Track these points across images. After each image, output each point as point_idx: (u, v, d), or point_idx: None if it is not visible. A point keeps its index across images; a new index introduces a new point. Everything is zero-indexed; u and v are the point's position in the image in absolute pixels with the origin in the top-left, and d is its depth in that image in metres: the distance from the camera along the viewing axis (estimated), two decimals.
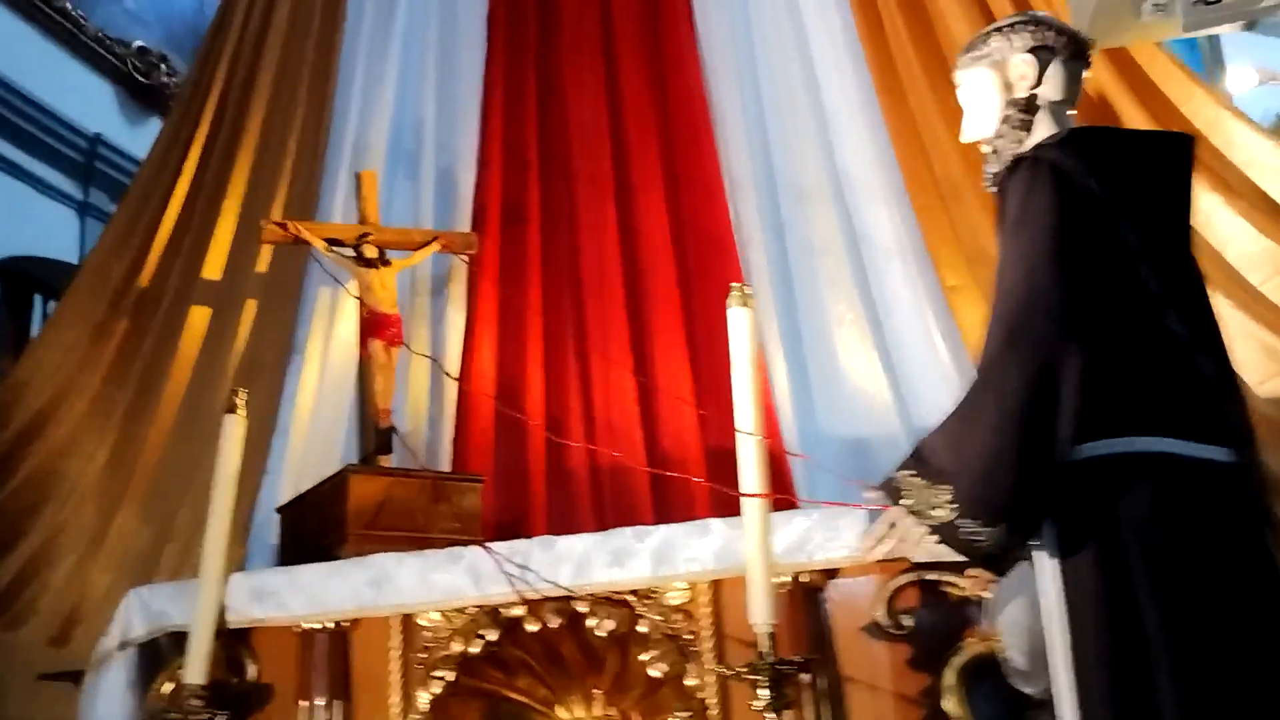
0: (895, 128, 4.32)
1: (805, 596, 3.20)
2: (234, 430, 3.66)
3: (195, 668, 3.38)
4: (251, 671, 3.57)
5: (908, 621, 3.13)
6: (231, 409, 3.66)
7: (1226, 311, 3.70)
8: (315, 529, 3.88)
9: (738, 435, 2.99)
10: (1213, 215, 3.88)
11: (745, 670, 2.83)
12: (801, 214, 4.42)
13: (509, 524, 4.21)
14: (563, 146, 4.82)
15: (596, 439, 4.37)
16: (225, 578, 3.53)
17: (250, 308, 4.83)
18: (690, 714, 3.23)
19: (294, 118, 5.04)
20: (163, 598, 3.63)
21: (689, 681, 3.25)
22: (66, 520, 4.78)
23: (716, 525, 3.26)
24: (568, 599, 3.35)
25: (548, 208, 4.75)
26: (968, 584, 3.08)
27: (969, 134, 2.65)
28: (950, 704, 3.01)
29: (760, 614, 2.86)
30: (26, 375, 5.06)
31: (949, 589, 3.12)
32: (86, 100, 8.62)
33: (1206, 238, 3.76)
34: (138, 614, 3.62)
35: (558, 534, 3.55)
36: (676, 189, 4.63)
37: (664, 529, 3.32)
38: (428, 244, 4.32)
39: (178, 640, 3.63)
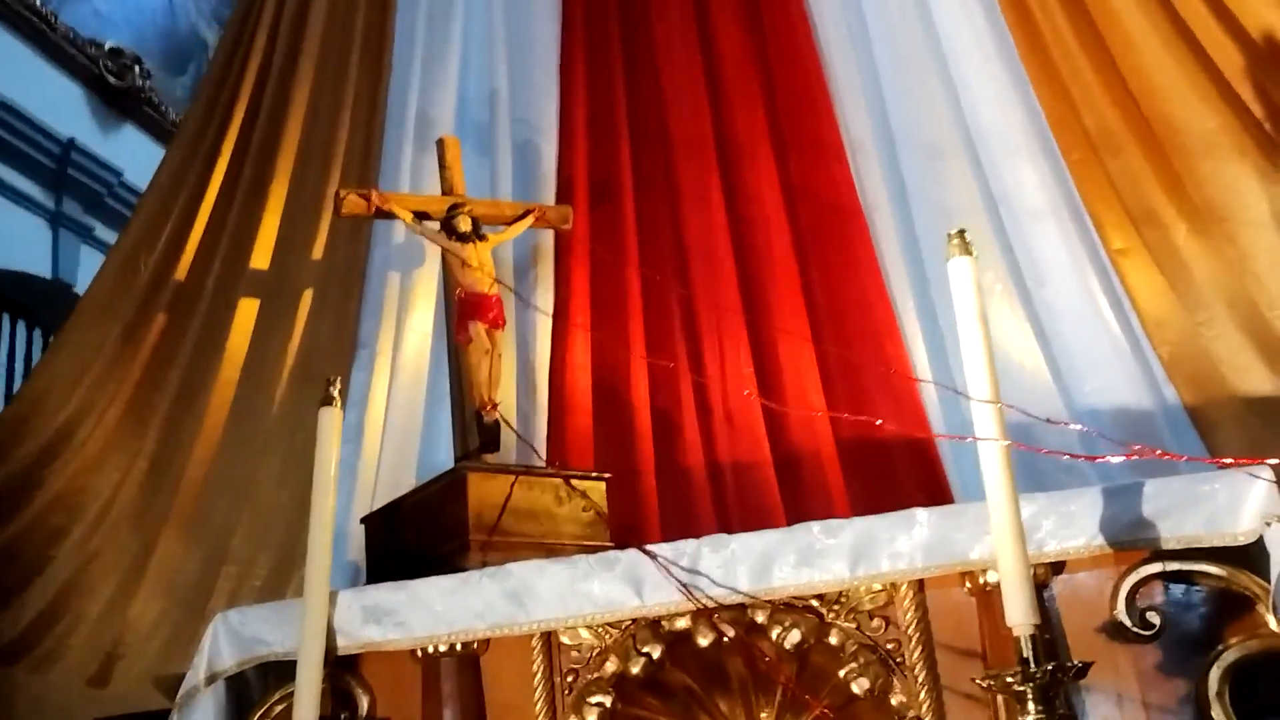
0: (1036, 75, 3.92)
1: None
2: (331, 424, 3.17)
3: (306, 704, 2.86)
4: (364, 704, 3.05)
5: (1154, 619, 2.69)
6: (328, 400, 3.17)
7: None
8: (420, 538, 3.38)
9: (973, 404, 2.56)
10: None
11: (1012, 679, 2.38)
12: (931, 173, 4.00)
13: (618, 530, 3.71)
14: (656, 112, 4.36)
15: (714, 433, 3.90)
16: (330, 597, 3.02)
17: (306, 299, 4.33)
18: None
19: (345, 92, 4.56)
20: (257, 622, 3.10)
21: (896, 699, 2.79)
22: (101, 545, 4.23)
23: (923, 515, 2.81)
24: (742, 608, 2.88)
25: (642, 179, 4.28)
26: (1226, 572, 2.67)
27: None
28: (1219, 713, 2.58)
29: (1021, 612, 2.41)
30: (44, 384, 4.51)
31: (1203, 579, 2.71)
32: (56, 103, 8.04)
33: None
34: (226, 642, 3.09)
35: (675, 540, 3.11)
36: (786, 152, 4.19)
37: (858, 522, 2.87)
38: (522, 217, 3.83)
39: (265, 672, 3.16)
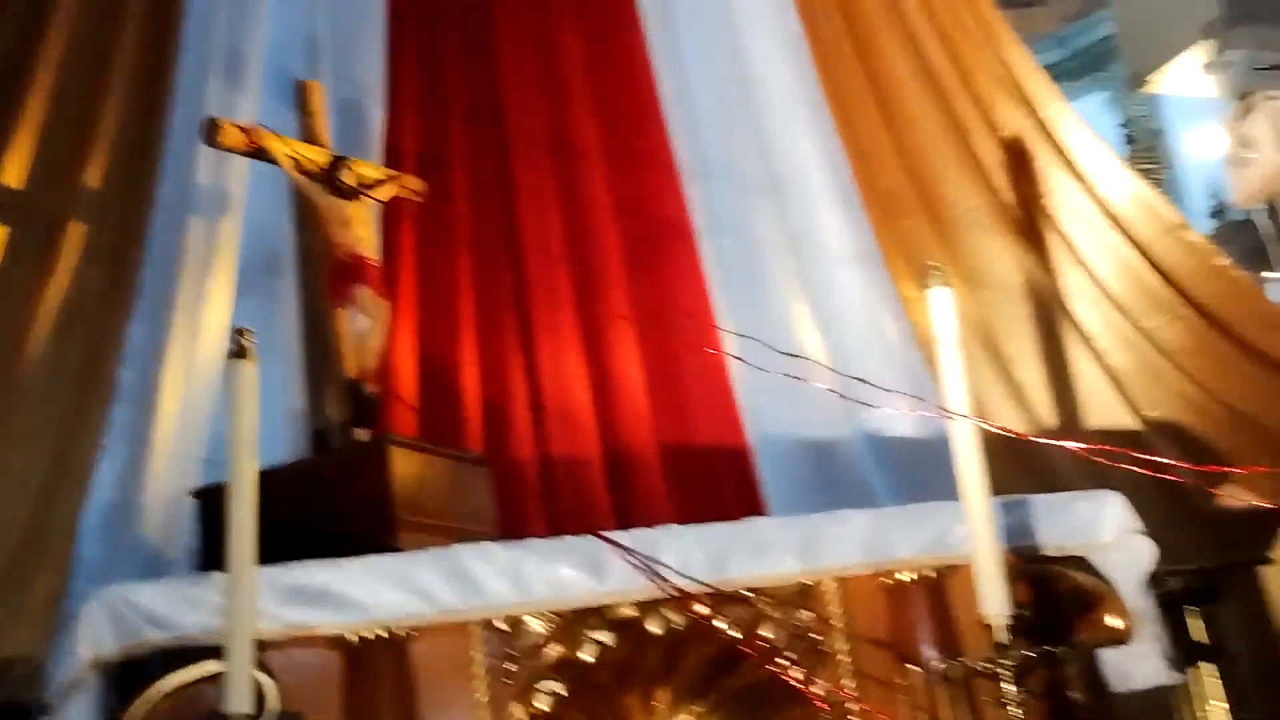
0: (843, 136, 4.36)
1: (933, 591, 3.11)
2: (246, 378, 2.80)
3: (240, 692, 2.50)
4: (272, 695, 2.71)
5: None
6: (240, 353, 2.79)
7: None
8: (311, 515, 3.05)
9: (952, 419, 2.87)
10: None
11: (987, 663, 2.71)
12: (742, 206, 4.30)
13: None
14: (491, 96, 4.24)
15: (546, 430, 3.89)
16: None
17: (73, 233, 3.68)
18: None
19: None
20: (149, 600, 2.66)
21: (822, 686, 3.01)
22: None
23: (858, 516, 3.08)
24: (689, 598, 2.96)
25: (476, 162, 4.15)
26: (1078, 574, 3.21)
27: None
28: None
29: (995, 603, 2.75)
30: None
31: (1062, 580, 3.21)
32: None
33: None
34: (108, 623, 2.62)
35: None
36: (620, 163, 4.28)
37: (802, 520, 3.09)
38: (382, 183, 3.59)
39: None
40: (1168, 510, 3.63)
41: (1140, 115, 14.26)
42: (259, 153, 3.34)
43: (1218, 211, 12.83)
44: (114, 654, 2.62)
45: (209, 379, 3.66)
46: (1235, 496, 3.76)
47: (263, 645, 2.71)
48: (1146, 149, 13.09)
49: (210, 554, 3.17)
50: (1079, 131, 4.49)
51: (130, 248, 3.71)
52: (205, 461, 3.61)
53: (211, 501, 3.22)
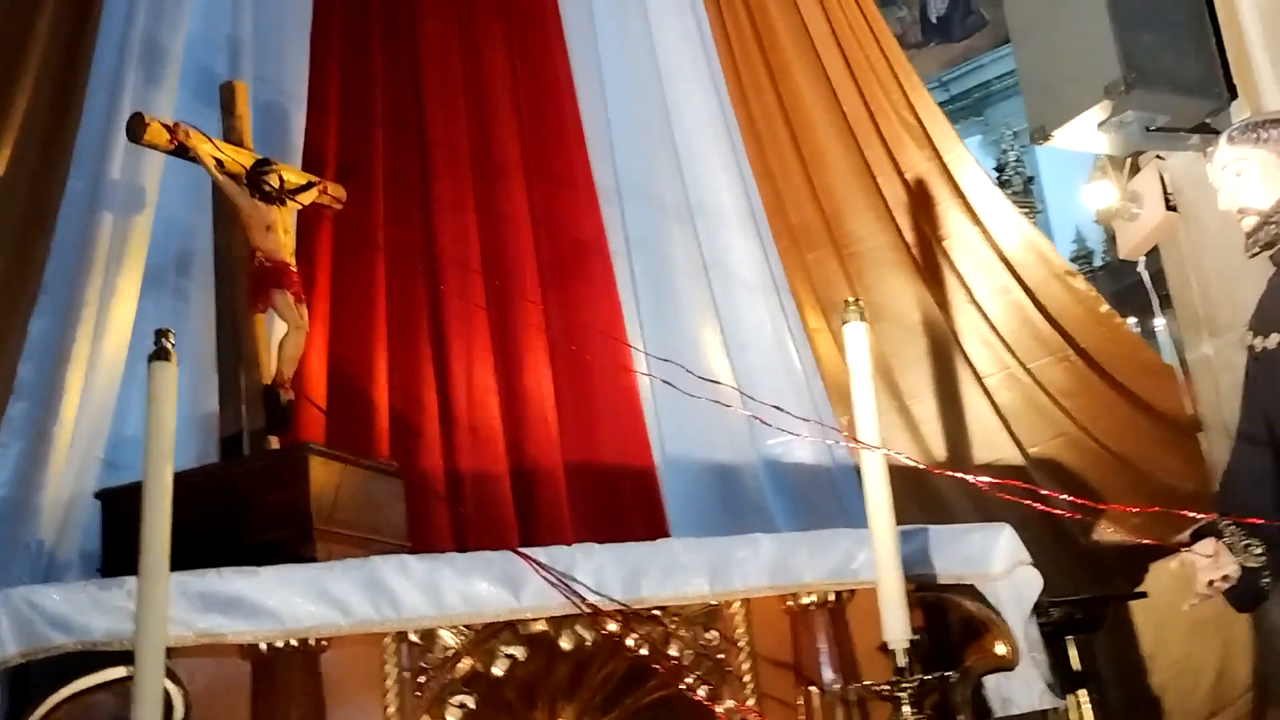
0: (755, 167, 4.48)
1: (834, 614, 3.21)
2: (166, 380, 2.75)
3: (149, 701, 2.46)
4: (179, 706, 2.67)
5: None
6: (162, 354, 2.74)
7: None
8: (224, 522, 3.01)
9: (861, 450, 2.97)
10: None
11: (887, 688, 2.81)
12: (655, 229, 4.38)
13: None
14: (413, 107, 4.24)
15: (456, 444, 3.89)
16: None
17: None
18: None
19: None
20: (54, 604, 2.60)
21: (724, 705, 3.08)
22: None
23: (766, 541, 3.16)
24: (596, 616, 3.01)
25: (395, 172, 4.14)
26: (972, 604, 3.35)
27: (1243, 202, 2.82)
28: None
29: (896, 630, 2.85)
30: None
31: (955, 609, 3.35)
32: None
33: None
34: (9, 625, 2.55)
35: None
36: (539, 180, 4.32)
37: (712, 543, 3.15)
38: (306, 188, 3.56)
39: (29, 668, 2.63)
40: (1049, 544, 3.83)
41: (1013, 161, 14.92)
42: (180, 150, 3.29)
43: (1082, 257, 13.51)
44: (14, 658, 2.54)
45: (113, 378, 3.58)
46: (1111, 533, 4.00)
47: (171, 652, 2.69)
48: (1017, 194, 13.69)
49: (115, 557, 3.11)
50: (977, 176, 4.70)
51: (35, 239, 3.61)
52: (105, 462, 3.53)
53: (118, 504, 3.15)
